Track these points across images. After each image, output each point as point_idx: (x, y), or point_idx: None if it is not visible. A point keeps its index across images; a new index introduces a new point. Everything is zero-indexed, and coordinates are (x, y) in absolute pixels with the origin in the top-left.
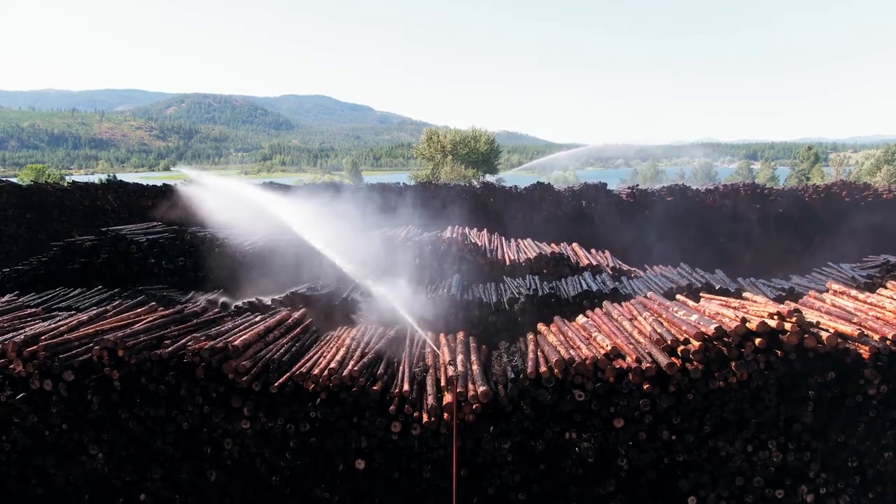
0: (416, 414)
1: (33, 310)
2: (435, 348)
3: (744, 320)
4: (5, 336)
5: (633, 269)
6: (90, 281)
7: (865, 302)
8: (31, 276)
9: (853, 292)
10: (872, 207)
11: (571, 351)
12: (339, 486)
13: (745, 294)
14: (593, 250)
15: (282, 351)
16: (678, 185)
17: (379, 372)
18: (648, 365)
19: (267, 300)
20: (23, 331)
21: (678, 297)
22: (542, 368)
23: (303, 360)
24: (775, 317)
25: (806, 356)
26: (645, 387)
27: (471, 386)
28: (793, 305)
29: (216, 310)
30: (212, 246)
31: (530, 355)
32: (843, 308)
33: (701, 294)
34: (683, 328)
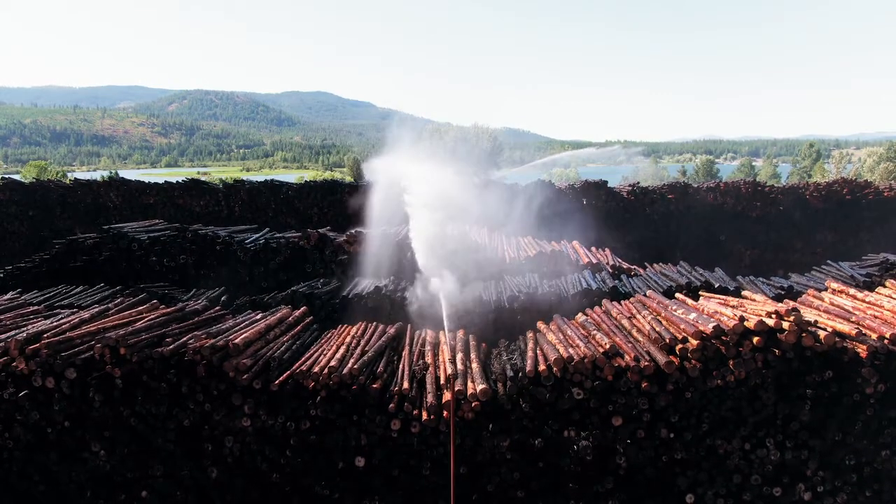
0: (415, 412)
1: (35, 307)
2: (444, 335)
3: (742, 319)
4: (8, 334)
5: (632, 267)
6: (92, 278)
7: (864, 301)
8: (34, 274)
9: (852, 291)
10: (873, 205)
11: (570, 349)
12: (339, 484)
13: (743, 292)
14: (593, 248)
15: (282, 349)
16: (679, 183)
17: (379, 370)
18: (647, 363)
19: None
20: (25, 328)
21: (677, 295)
22: (542, 366)
23: (303, 358)
24: (773, 316)
25: (804, 355)
26: (643, 385)
27: (470, 384)
28: (791, 304)
29: (217, 307)
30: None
31: (529, 353)
32: (841, 307)
33: (700, 292)
34: (682, 327)
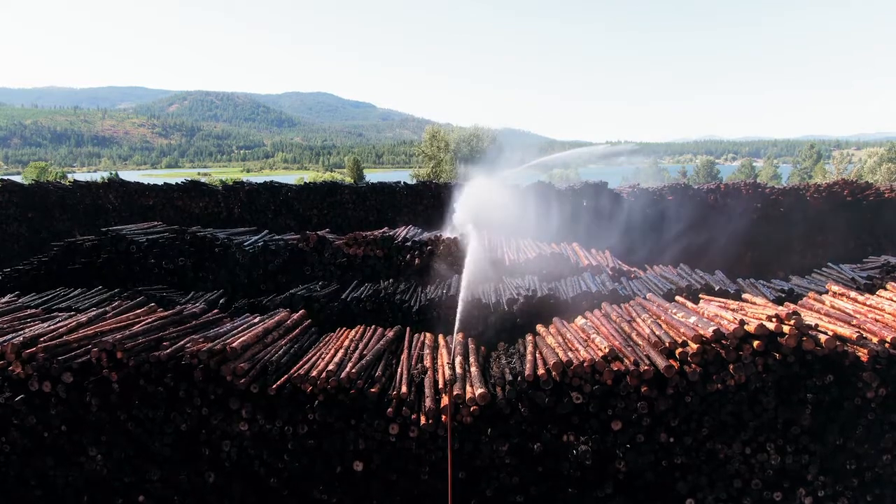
0: (413, 416)
1: (33, 310)
2: (443, 337)
3: (742, 323)
4: (5, 337)
5: (632, 269)
6: (90, 281)
7: (864, 304)
8: (32, 276)
9: (852, 294)
10: (874, 207)
11: (570, 353)
12: (337, 488)
13: (744, 295)
14: (593, 250)
15: (280, 353)
16: (679, 184)
17: (377, 374)
18: (646, 367)
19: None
20: (22, 332)
21: (677, 298)
22: (541, 370)
23: (301, 362)
24: (774, 319)
25: (804, 359)
26: (643, 389)
27: (469, 388)
28: (792, 307)
29: (215, 310)
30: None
31: (528, 357)
32: (842, 310)
33: (700, 295)
34: (682, 330)
